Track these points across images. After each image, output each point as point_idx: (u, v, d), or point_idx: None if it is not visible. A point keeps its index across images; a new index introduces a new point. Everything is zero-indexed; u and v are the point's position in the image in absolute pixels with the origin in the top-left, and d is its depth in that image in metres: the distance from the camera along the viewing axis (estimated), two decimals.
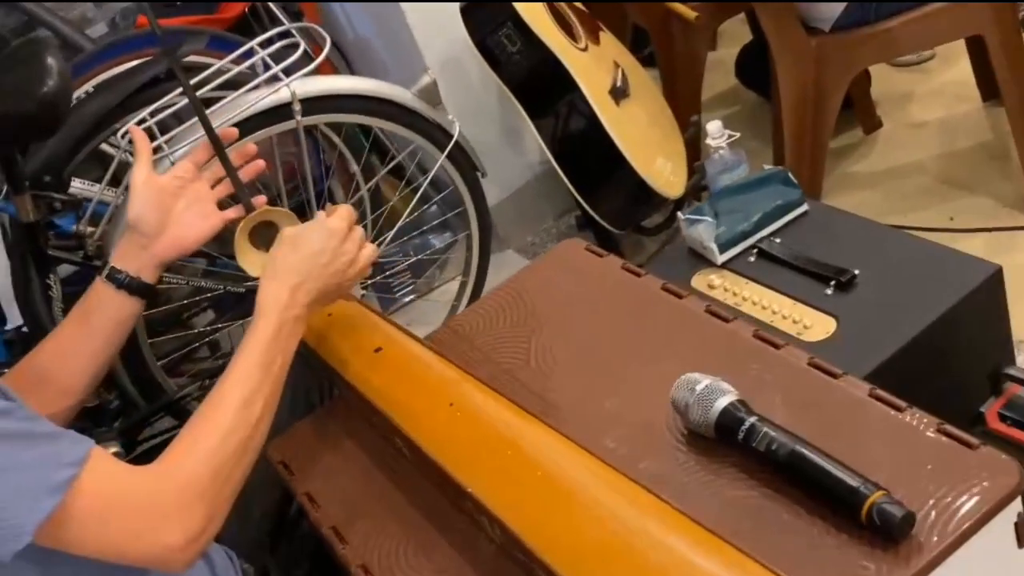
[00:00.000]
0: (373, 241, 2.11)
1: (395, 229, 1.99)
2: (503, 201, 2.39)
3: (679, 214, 1.67)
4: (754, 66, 2.45)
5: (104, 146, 1.96)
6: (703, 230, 1.63)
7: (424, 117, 1.84)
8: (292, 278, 1.11)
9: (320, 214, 1.18)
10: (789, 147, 2.05)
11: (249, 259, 1.27)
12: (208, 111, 1.64)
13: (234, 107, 1.63)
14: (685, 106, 2.30)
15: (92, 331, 1.26)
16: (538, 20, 1.88)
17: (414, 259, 2.28)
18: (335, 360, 1.21)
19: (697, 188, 2.08)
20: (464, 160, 1.92)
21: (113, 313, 1.26)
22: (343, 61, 2.58)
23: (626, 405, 1.09)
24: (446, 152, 1.87)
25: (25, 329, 1.85)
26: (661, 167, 2.04)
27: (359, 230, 1.18)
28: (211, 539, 1.00)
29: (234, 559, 1.20)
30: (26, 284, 1.72)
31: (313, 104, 1.69)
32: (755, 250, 1.61)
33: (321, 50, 1.64)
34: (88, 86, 2.08)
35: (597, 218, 1.99)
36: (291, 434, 1.26)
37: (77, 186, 1.84)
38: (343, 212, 1.18)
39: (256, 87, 1.63)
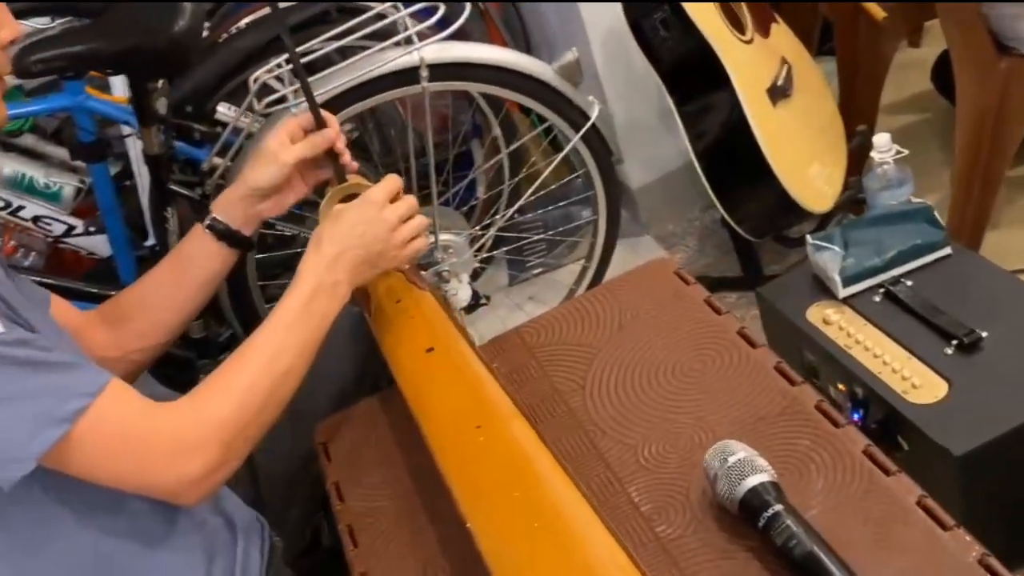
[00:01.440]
0: (508, 207, 2.10)
1: (524, 197, 1.94)
2: (650, 184, 2.30)
3: (808, 237, 1.55)
4: (951, 73, 2.24)
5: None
6: (828, 259, 1.51)
7: (562, 95, 1.77)
8: (332, 247, 1.12)
9: (382, 211, 1.17)
10: (958, 173, 1.87)
11: None
12: (338, 67, 1.66)
13: (361, 66, 1.61)
14: (860, 110, 2.13)
15: (185, 277, 1.29)
16: (699, 6, 1.77)
17: (541, 235, 2.23)
18: (389, 349, 1.18)
19: (851, 203, 1.93)
20: (599, 144, 1.84)
21: (208, 262, 1.28)
22: (519, 22, 2.53)
23: (663, 456, 1.02)
24: (580, 133, 1.80)
25: (158, 248, 1.93)
26: (814, 175, 1.90)
27: (407, 201, 1.18)
28: (223, 481, 1.02)
29: (264, 525, 1.21)
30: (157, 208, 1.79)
31: (442, 70, 1.65)
32: (882, 290, 1.48)
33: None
34: (244, 21, 2.11)
35: (731, 223, 1.88)
36: (342, 417, 1.25)
37: (223, 111, 1.88)
38: (385, 183, 1.18)
39: (388, 47, 1.61)
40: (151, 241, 2.02)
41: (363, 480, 1.14)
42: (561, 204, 2.15)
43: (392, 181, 1.18)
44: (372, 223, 1.14)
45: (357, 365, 1.34)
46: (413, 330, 1.19)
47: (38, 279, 1.82)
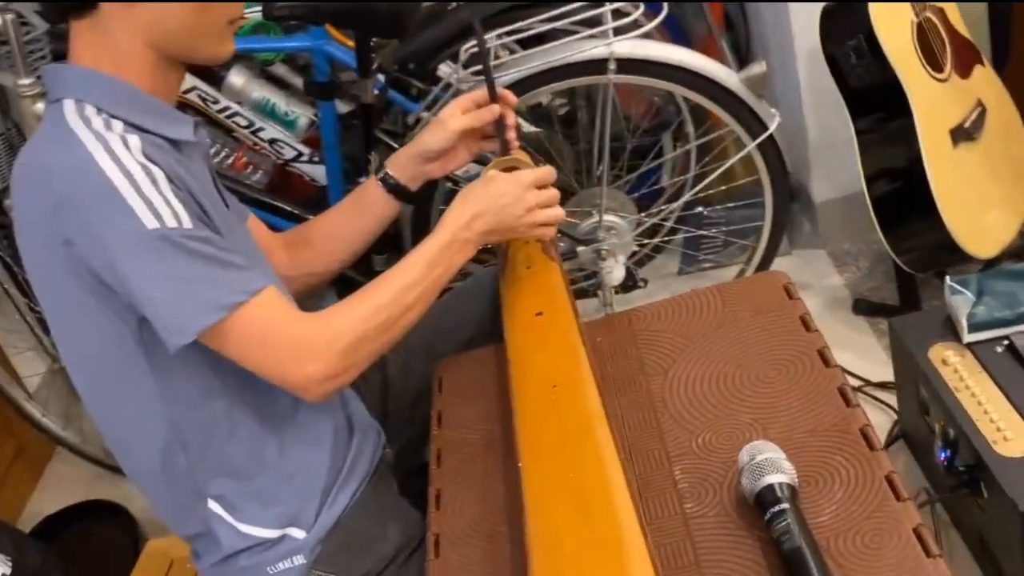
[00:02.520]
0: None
1: (691, 192, 2.04)
2: (833, 201, 2.34)
3: (947, 278, 1.59)
4: None
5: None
6: (959, 303, 1.55)
7: (744, 103, 1.86)
8: (474, 207, 1.27)
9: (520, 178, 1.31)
10: None
11: None
12: (534, 50, 1.82)
13: (556, 52, 1.77)
14: None
15: (356, 219, 1.49)
16: (895, 40, 1.80)
17: (715, 231, 2.31)
18: (507, 305, 1.34)
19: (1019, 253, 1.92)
20: (774, 155, 1.92)
21: (377, 209, 1.48)
22: (744, 24, 2.61)
23: (713, 446, 1.14)
24: (756, 141, 1.89)
25: None
26: (990, 221, 1.90)
27: (549, 192, 1.31)
28: (341, 386, 1.18)
29: (380, 435, 1.41)
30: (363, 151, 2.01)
31: (630, 65, 1.78)
32: (1005, 342, 1.51)
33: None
34: None
35: (891, 254, 1.91)
36: (462, 358, 1.42)
37: (444, 70, 2.07)
38: (540, 171, 1.32)
39: (585, 37, 1.76)
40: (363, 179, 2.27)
41: (462, 414, 1.31)
42: (739, 204, 2.24)
43: (545, 171, 1.32)
44: (514, 200, 1.28)
45: (489, 317, 1.49)
46: (531, 294, 1.34)
47: (256, 196, 2.11)
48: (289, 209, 2.12)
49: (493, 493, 1.15)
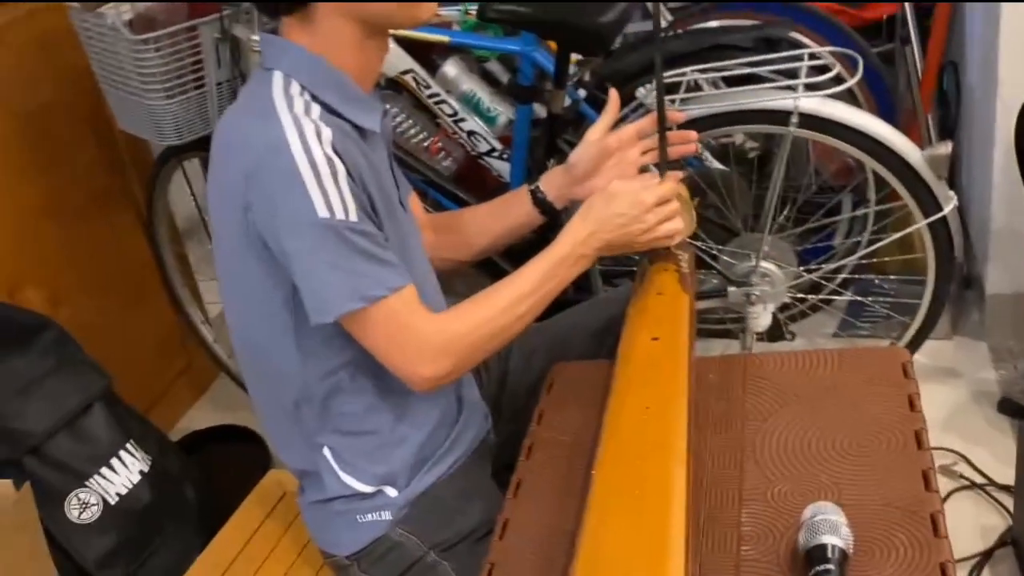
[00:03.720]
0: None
1: (855, 257, 2.04)
2: (1006, 295, 2.28)
3: None
4: None
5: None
6: None
7: (923, 180, 1.85)
8: (592, 225, 1.34)
9: (646, 176, 1.38)
10: None
11: None
12: (724, 91, 1.88)
13: (743, 96, 1.82)
14: None
15: (500, 220, 1.60)
16: None
17: (876, 301, 2.29)
18: (628, 323, 1.41)
19: None
20: (943, 237, 1.91)
21: (520, 216, 1.58)
22: (955, 92, 2.57)
23: (786, 499, 1.18)
24: (927, 220, 1.88)
25: None
26: None
27: (670, 206, 1.36)
28: (449, 382, 1.31)
29: (488, 419, 1.51)
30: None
31: (813, 121, 1.81)
32: None
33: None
34: (713, 23, 2.37)
35: None
36: (575, 366, 1.50)
37: (641, 92, 2.15)
38: (661, 189, 1.36)
39: (778, 87, 1.80)
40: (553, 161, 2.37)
41: (561, 417, 1.39)
42: (905, 279, 2.22)
43: (666, 188, 1.37)
44: (630, 220, 1.33)
45: (617, 332, 1.56)
46: (655, 319, 1.40)
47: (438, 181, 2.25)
48: (464, 198, 2.25)
49: (567, 494, 1.22)
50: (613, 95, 1.54)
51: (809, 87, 1.79)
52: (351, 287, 1.19)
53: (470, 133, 2.53)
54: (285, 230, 1.18)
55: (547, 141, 2.08)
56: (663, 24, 2.55)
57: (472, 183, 2.59)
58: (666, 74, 1.89)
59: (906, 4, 2.41)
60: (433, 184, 2.27)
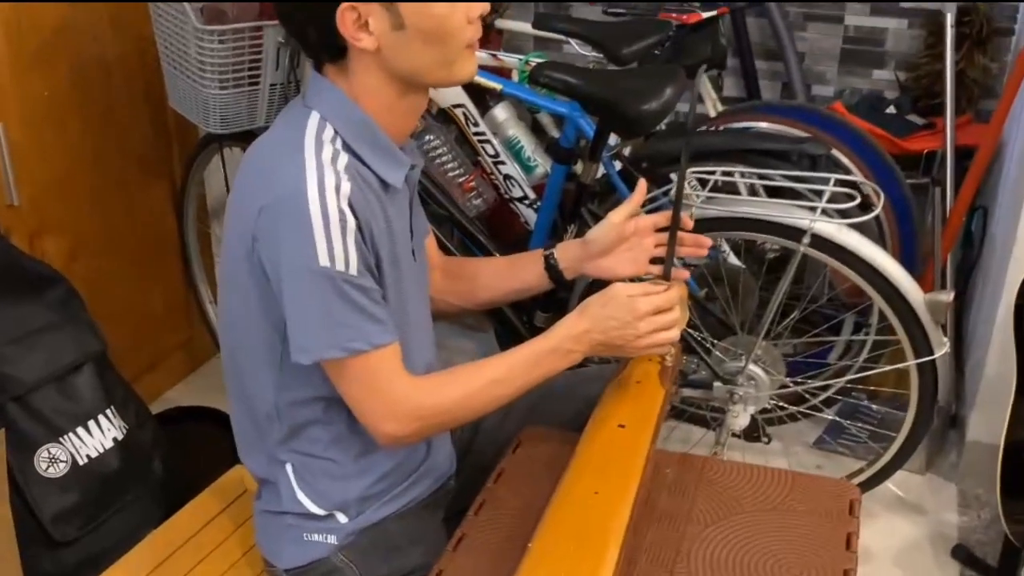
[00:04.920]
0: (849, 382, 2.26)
1: (842, 381, 2.08)
2: (985, 444, 2.30)
3: None
4: None
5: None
6: None
7: (919, 321, 1.89)
8: (586, 324, 1.36)
9: (646, 285, 1.40)
10: None
11: None
12: (747, 198, 1.93)
13: (765, 206, 1.88)
14: None
15: (510, 278, 1.65)
16: None
17: (856, 423, 2.33)
18: (601, 405, 1.46)
19: None
20: (929, 381, 1.95)
21: (530, 278, 1.63)
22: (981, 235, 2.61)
23: None
24: (917, 360, 1.92)
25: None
26: None
27: (666, 317, 1.37)
28: (414, 443, 1.38)
29: (453, 464, 1.57)
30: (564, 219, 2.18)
31: (824, 243, 1.86)
32: None
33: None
34: (748, 124, 2.43)
35: (1003, 519, 1.90)
36: (550, 433, 1.55)
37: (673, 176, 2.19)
38: (658, 299, 1.37)
39: (800, 205, 1.85)
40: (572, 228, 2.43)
41: (519, 480, 1.44)
42: (890, 409, 2.26)
43: (665, 298, 1.38)
44: (625, 326, 1.35)
45: (591, 405, 1.60)
46: (626, 406, 1.44)
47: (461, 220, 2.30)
48: (481, 240, 2.31)
49: (503, 559, 1.26)
50: (641, 184, 1.57)
51: (834, 210, 1.83)
52: (335, 336, 1.24)
53: (506, 177, 2.59)
54: (286, 269, 1.23)
55: (571, 208, 2.13)
56: (712, 114, 2.62)
57: (497, 225, 2.65)
58: (696, 169, 1.95)
59: (948, 145, 2.45)
60: (455, 222, 2.33)
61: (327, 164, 1.24)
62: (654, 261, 1.57)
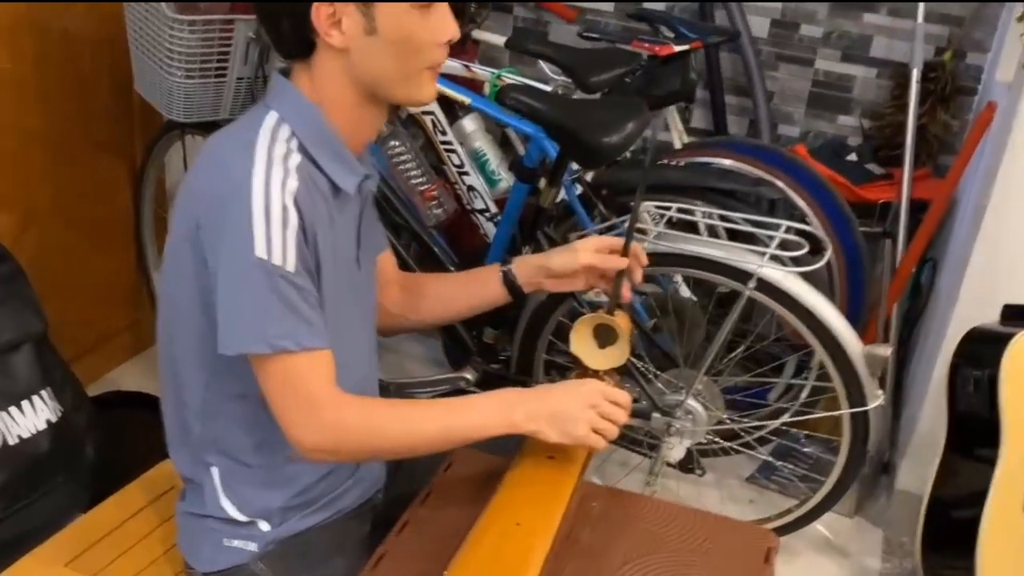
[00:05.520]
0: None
1: (775, 423, 2.11)
2: (913, 494, 2.33)
3: None
4: None
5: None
6: None
7: (856, 372, 1.93)
8: (532, 406, 1.33)
9: (601, 384, 1.39)
10: None
11: (580, 344, 1.50)
12: (698, 238, 1.95)
13: (715, 247, 1.90)
14: None
15: (467, 292, 1.66)
16: (1016, 396, 1.84)
17: (787, 463, 2.36)
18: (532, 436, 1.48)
19: None
20: (861, 431, 1.98)
21: (488, 293, 1.63)
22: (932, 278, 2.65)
23: None
24: (850, 411, 1.96)
25: None
26: None
27: (612, 415, 1.35)
28: (325, 461, 1.35)
29: (380, 482, 1.57)
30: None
31: (770, 288, 1.88)
32: None
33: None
34: (706, 159, 2.46)
35: (920, 569, 1.94)
36: (484, 456, 1.54)
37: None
38: (611, 394, 1.37)
39: (749, 250, 1.88)
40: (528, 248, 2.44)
41: (446, 501, 1.45)
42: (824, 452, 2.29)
43: (621, 396, 1.37)
44: (568, 415, 1.33)
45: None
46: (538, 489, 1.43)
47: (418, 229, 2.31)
48: (439, 255, 2.32)
49: None
50: (637, 249, 1.55)
51: (783, 255, 1.86)
52: (262, 331, 1.22)
53: (470, 188, 2.60)
54: (223, 258, 1.22)
55: (527, 231, 2.15)
56: (678, 145, 2.65)
57: (457, 236, 2.66)
58: (654, 203, 1.98)
59: (903, 197, 2.49)
60: (413, 233, 2.34)
61: (277, 160, 1.24)
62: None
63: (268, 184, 1.22)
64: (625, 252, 1.52)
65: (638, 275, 1.57)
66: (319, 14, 1.25)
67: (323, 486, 1.44)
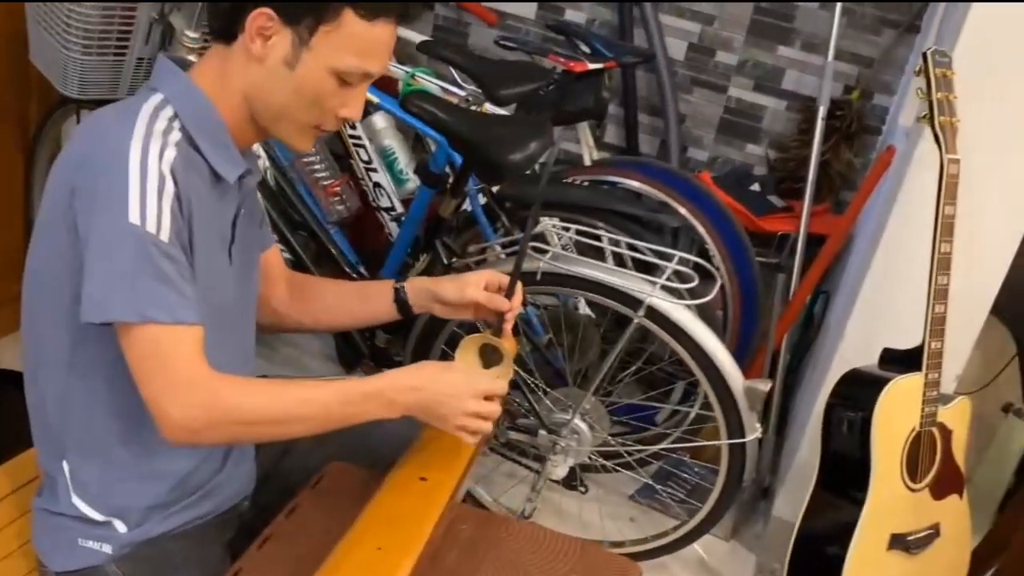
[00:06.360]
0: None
1: (656, 447, 2.14)
2: (788, 523, 2.39)
3: None
4: None
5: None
6: None
7: (735, 404, 1.96)
8: (419, 381, 1.35)
9: (483, 382, 1.39)
10: None
11: (465, 362, 1.49)
12: (593, 262, 1.96)
13: (609, 273, 1.91)
14: None
15: (357, 304, 1.64)
16: (887, 439, 1.89)
17: (670, 484, 2.39)
18: (409, 452, 1.47)
19: None
20: (738, 462, 2.01)
21: (377, 308, 1.62)
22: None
23: None
24: (728, 441, 1.99)
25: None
26: None
27: (492, 406, 1.37)
28: (193, 443, 1.27)
29: (249, 486, 1.54)
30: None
31: (659, 317, 1.90)
32: None
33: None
34: (617, 179, 2.47)
35: None
36: (357, 471, 1.53)
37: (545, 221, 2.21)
38: (497, 385, 1.39)
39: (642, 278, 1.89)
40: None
41: (311, 518, 1.42)
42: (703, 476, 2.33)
43: (500, 387, 1.40)
44: (455, 399, 1.34)
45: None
46: (434, 458, 1.46)
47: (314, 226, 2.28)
48: (336, 256, 2.29)
49: None
50: (518, 291, 1.54)
51: (677, 284, 1.88)
52: (133, 299, 1.18)
53: (376, 185, 2.58)
54: (95, 223, 1.18)
55: (426, 239, 2.13)
56: (587, 162, 2.66)
57: (361, 232, 2.64)
58: (555, 222, 1.98)
59: (801, 230, 2.54)
60: (310, 231, 2.31)
61: (157, 133, 1.23)
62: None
63: (146, 151, 1.20)
64: (511, 289, 1.52)
65: (516, 311, 1.56)
66: (255, 19, 1.25)
67: (185, 486, 1.40)
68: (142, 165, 1.19)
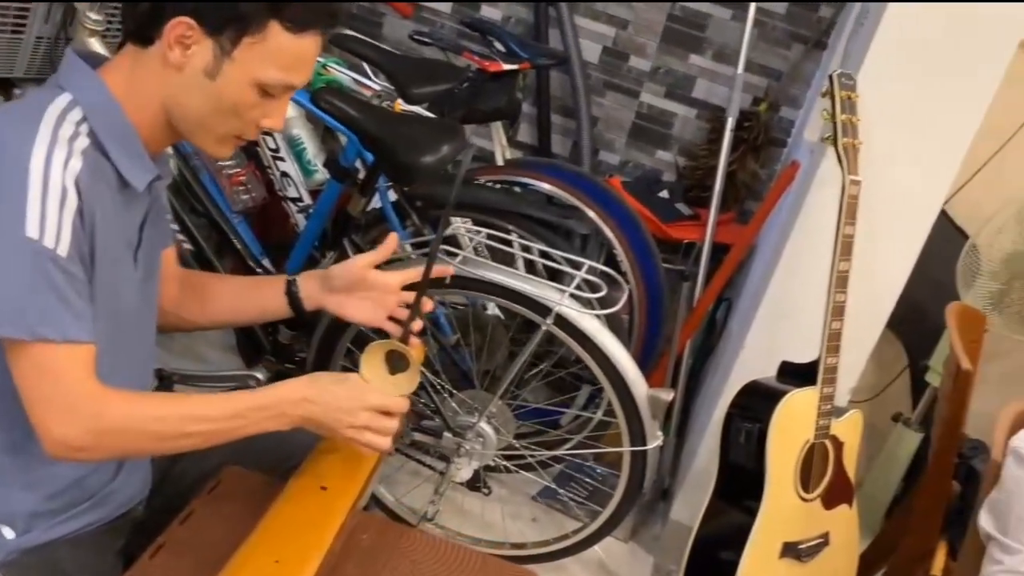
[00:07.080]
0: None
1: (558, 451, 2.15)
2: (684, 526, 2.43)
3: None
4: None
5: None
6: None
7: (638, 412, 1.98)
8: (310, 392, 1.34)
9: (389, 382, 1.40)
10: None
11: (370, 368, 1.46)
12: (503, 267, 1.96)
13: (519, 279, 1.91)
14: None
15: (249, 300, 1.61)
16: (782, 449, 1.94)
17: (573, 486, 2.41)
18: (307, 460, 1.45)
19: None
20: (639, 468, 2.03)
21: (270, 304, 1.59)
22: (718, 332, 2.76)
23: None
24: (630, 448, 2.01)
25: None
26: None
27: (388, 421, 1.38)
28: (79, 460, 1.26)
29: (144, 491, 1.50)
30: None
31: (566, 325, 1.91)
32: None
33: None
34: (534, 182, 2.48)
35: None
36: (255, 478, 1.50)
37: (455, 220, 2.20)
38: (391, 401, 1.39)
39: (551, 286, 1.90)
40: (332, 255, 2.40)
41: (207, 525, 1.39)
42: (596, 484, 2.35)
43: (396, 403, 1.39)
44: (347, 412, 1.35)
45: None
46: (336, 467, 1.46)
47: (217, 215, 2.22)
48: (239, 248, 2.24)
49: None
50: (391, 238, 1.56)
51: (584, 295, 1.88)
52: (23, 315, 1.15)
53: (283, 174, 2.53)
54: None
55: (333, 236, 2.10)
56: (500, 162, 2.65)
57: (267, 223, 2.58)
58: (466, 224, 1.97)
59: (707, 239, 2.58)
60: (213, 222, 2.26)
61: (62, 140, 1.18)
62: (390, 318, 1.57)
63: (49, 161, 1.15)
64: (423, 288, 1.49)
65: (428, 305, 1.54)
66: (174, 27, 1.21)
67: (77, 492, 1.36)
68: (44, 176, 1.15)
